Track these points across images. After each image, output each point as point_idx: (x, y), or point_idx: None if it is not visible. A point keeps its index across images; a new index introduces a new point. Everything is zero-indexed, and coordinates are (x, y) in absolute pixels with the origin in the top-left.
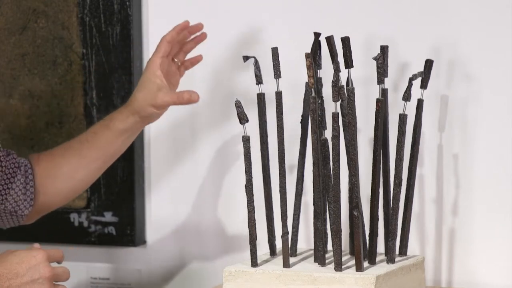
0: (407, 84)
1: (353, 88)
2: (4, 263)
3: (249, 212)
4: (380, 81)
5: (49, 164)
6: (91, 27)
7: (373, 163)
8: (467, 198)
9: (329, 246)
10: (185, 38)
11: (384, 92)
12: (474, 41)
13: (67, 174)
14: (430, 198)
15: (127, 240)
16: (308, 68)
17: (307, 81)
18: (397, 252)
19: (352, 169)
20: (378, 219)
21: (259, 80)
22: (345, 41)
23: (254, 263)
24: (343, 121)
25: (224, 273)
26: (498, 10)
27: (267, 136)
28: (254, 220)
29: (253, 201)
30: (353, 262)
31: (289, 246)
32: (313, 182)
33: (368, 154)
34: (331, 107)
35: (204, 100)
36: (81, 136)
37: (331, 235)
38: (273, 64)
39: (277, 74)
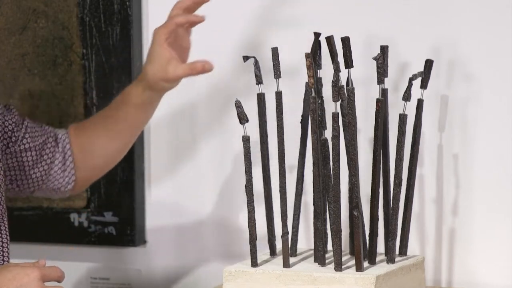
0: (407, 84)
1: (353, 88)
2: None
3: (249, 212)
4: (380, 81)
5: (83, 139)
6: (91, 27)
7: (373, 163)
8: (467, 198)
9: (329, 246)
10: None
11: (384, 92)
12: (474, 41)
13: (100, 148)
14: (430, 198)
15: (127, 240)
16: (308, 68)
17: (307, 81)
18: (397, 252)
19: (352, 169)
20: (378, 219)
21: (259, 80)
22: (345, 41)
23: (254, 263)
24: (343, 121)
25: (224, 273)
26: (498, 10)
27: (267, 136)
28: (254, 220)
29: (253, 201)
30: (353, 262)
31: (289, 246)
32: (313, 182)
33: (368, 154)
34: (331, 107)
35: (204, 100)
36: (105, 111)
37: (331, 235)
38: (273, 64)
39: (277, 74)
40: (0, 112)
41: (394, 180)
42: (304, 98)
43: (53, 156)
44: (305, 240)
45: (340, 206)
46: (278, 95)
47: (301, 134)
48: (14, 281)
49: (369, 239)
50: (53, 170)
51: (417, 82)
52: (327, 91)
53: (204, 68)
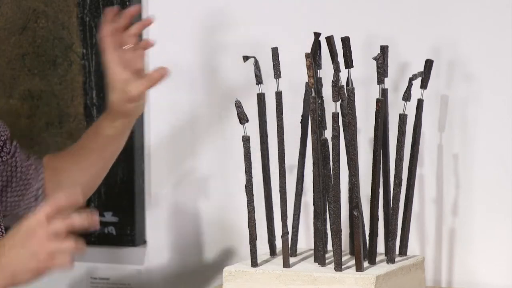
0: (407, 84)
1: (353, 88)
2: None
3: (249, 212)
4: (380, 81)
5: (56, 170)
6: (91, 27)
7: (373, 163)
8: (467, 198)
9: (329, 246)
10: (125, 25)
11: (384, 92)
12: (474, 41)
13: (71, 179)
14: (430, 198)
15: (127, 240)
16: (308, 68)
17: (307, 81)
18: (397, 252)
19: (352, 169)
20: (378, 219)
21: (259, 80)
22: (345, 41)
23: (254, 263)
24: (343, 121)
25: (224, 273)
26: (498, 10)
27: (267, 136)
28: (254, 220)
29: (253, 201)
30: (353, 262)
31: (289, 246)
32: (313, 182)
33: (368, 154)
34: (331, 107)
35: (204, 100)
36: (78, 142)
37: (331, 235)
38: (273, 64)
39: (277, 74)
40: None
41: (394, 180)
42: (304, 98)
43: (30, 182)
44: (305, 240)
45: (340, 206)
46: (278, 95)
47: (301, 134)
48: (20, 230)
49: (369, 239)
50: (27, 196)
51: (417, 82)
52: (327, 91)
53: (161, 74)
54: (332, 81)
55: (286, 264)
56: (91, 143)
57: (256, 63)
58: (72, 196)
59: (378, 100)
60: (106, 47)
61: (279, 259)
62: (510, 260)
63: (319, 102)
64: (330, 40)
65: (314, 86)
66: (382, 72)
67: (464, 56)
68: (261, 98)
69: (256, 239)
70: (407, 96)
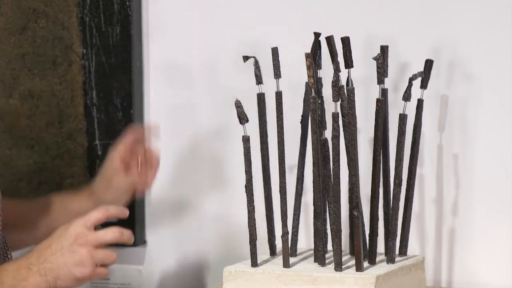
0: (407, 84)
1: (353, 88)
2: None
3: (249, 212)
4: (380, 81)
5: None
6: (91, 27)
7: (373, 163)
8: (467, 198)
9: (329, 246)
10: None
11: (384, 92)
12: (474, 41)
13: (20, 245)
14: (430, 198)
15: None
16: (308, 68)
17: (307, 81)
18: (397, 252)
19: (352, 169)
20: (378, 219)
21: (259, 80)
22: (345, 41)
23: (254, 263)
24: (343, 121)
25: (224, 273)
26: (498, 10)
27: (267, 136)
28: (254, 220)
29: (253, 201)
30: (353, 262)
31: (289, 246)
32: (313, 182)
33: (368, 154)
34: (331, 107)
35: (204, 100)
36: (38, 205)
37: (331, 235)
38: (273, 64)
39: (277, 74)
40: None
41: (394, 180)
42: (304, 98)
43: None
44: (305, 240)
45: (340, 206)
46: (278, 95)
47: (301, 134)
48: (66, 236)
49: (369, 239)
50: None
51: (417, 82)
52: (327, 91)
53: (147, 183)
54: (332, 81)
55: (286, 264)
56: (52, 212)
57: (256, 63)
58: (118, 209)
59: (378, 100)
60: (124, 141)
61: (279, 259)
62: (510, 260)
63: (319, 102)
64: (330, 40)
65: (314, 86)
66: (382, 72)
67: (464, 56)
68: (261, 98)
69: (256, 239)
70: (407, 96)
